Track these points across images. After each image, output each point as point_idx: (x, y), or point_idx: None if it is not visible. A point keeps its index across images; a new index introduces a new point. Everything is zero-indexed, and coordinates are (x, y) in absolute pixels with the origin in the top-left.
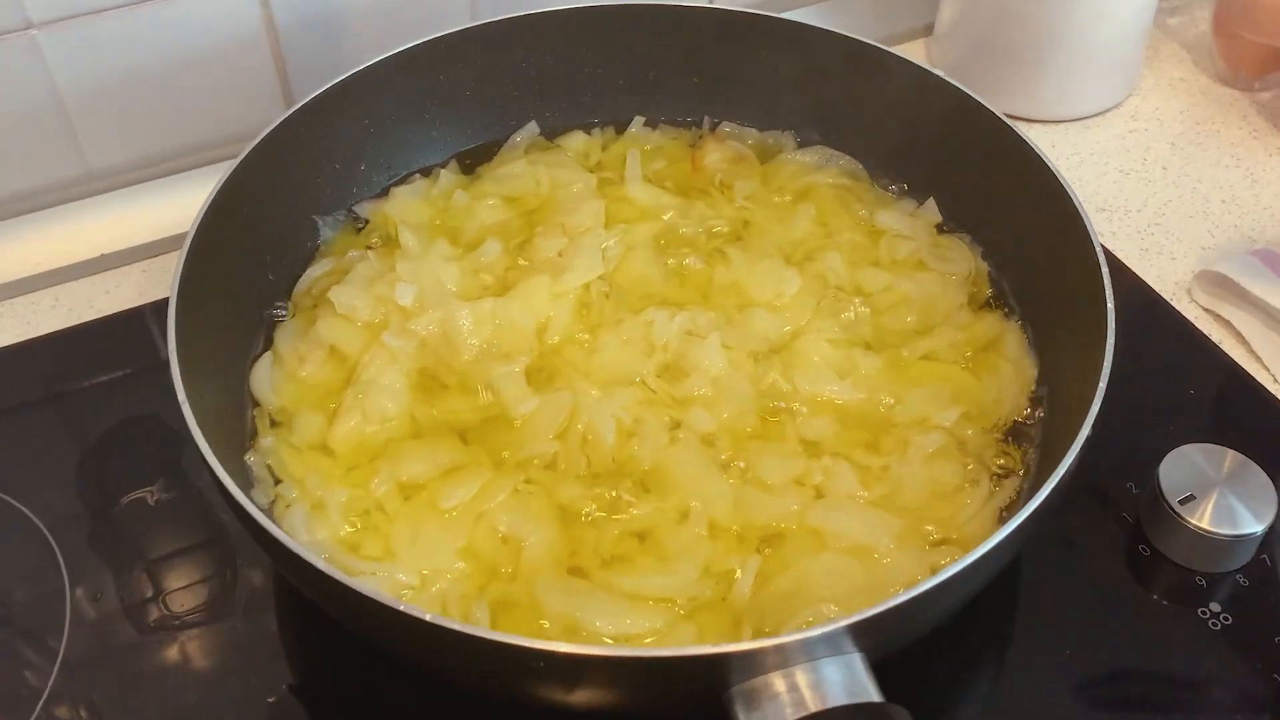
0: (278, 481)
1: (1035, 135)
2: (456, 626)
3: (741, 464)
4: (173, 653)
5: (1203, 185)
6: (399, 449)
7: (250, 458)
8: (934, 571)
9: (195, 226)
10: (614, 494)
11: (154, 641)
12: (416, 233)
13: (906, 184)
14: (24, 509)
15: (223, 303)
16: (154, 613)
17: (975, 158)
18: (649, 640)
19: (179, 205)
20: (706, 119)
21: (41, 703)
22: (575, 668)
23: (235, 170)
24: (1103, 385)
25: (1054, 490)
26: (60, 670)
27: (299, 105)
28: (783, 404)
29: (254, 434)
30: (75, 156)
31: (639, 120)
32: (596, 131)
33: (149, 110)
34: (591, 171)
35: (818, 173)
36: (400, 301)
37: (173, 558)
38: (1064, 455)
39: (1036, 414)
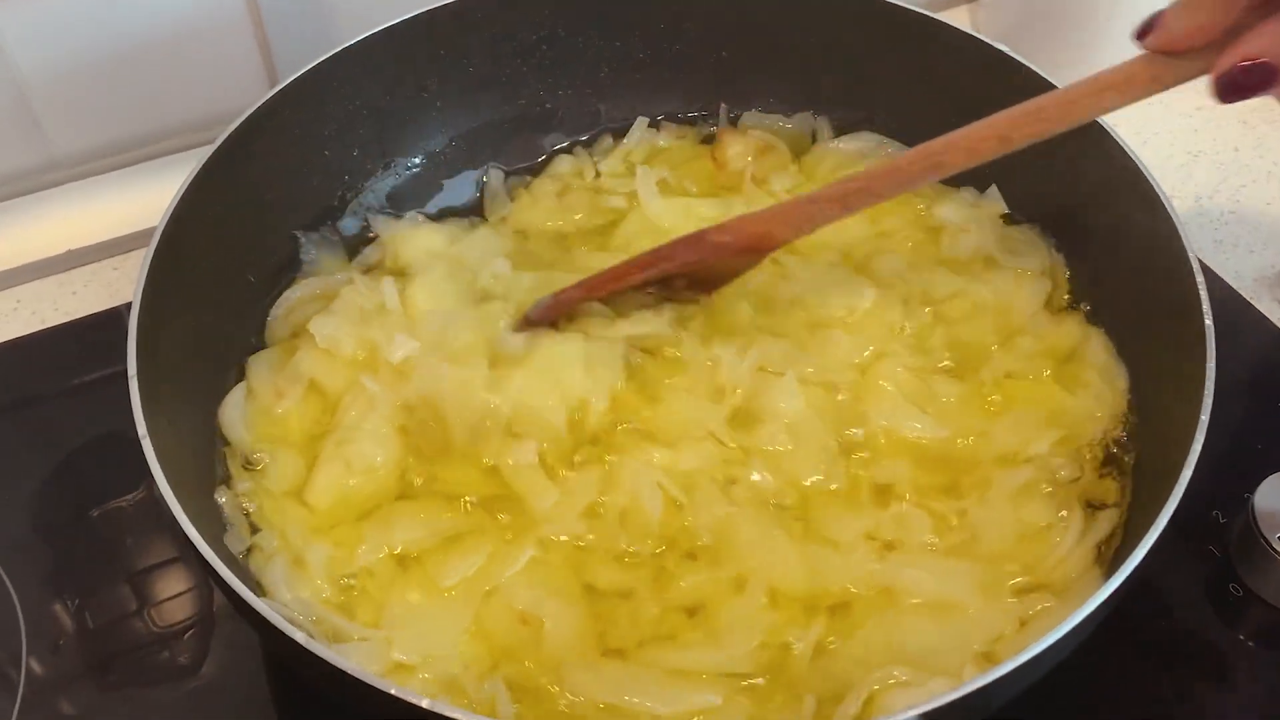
0: (256, 530)
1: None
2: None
3: (805, 521)
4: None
5: None
6: (389, 513)
7: (222, 498)
8: (1022, 624)
9: (165, 220)
10: (658, 567)
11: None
12: (432, 292)
13: (959, 173)
14: None
15: (197, 310)
16: (124, 664)
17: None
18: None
19: (153, 195)
20: (723, 109)
21: None
22: None
23: (212, 157)
24: (1207, 404)
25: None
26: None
27: (283, 85)
28: (857, 445)
29: (228, 474)
30: (37, 143)
31: (642, 122)
32: (581, 150)
33: (119, 92)
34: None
35: (864, 162)
36: (391, 357)
37: (147, 596)
38: (1168, 484)
39: (1126, 432)
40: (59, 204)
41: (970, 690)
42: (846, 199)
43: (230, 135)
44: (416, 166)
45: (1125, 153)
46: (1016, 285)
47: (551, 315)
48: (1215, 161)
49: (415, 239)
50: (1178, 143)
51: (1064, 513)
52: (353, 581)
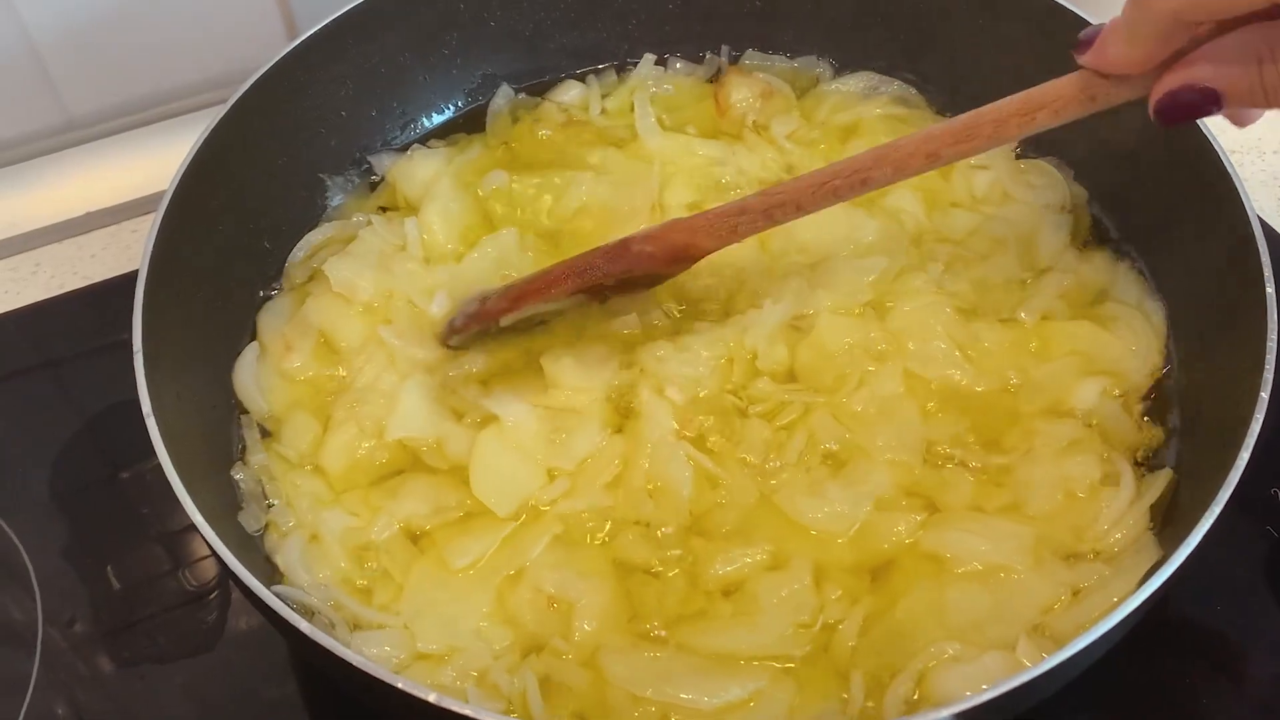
0: (270, 504)
1: None
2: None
3: (841, 477)
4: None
5: None
6: (402, 483)
7: (238, 474)
8: (1075, 594)
9: (175, 183)
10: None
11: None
12: (444, 215)
13: (965, 108)
14: None
15: (208, 278)
16: (140, 631)
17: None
18: (751, 705)
19: (173, 155)
20: (724, 49)
21: None
22: None
23: (225, 116)
24: (1268, 378)
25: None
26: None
27: (298, 41)
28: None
29: (243, 445)
30: (53, 103)
31: (649, 59)
32: (594, 79)
33: (134, 49)
34: (598, 129)
35: (864, 103)
36: (431, 310)
37: (163, 579)
38: (1227, 452)
39: (1168, 376)
40: (77, 165)
41: (1036, 674)
42: (770, 211)
43: (242, 95)
44: (433, 126)
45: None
46: (1038, 220)
47: (475, 325)
48: None
49: (414, 168)
50: None
51: (1113, 470)
52: (373, 562)
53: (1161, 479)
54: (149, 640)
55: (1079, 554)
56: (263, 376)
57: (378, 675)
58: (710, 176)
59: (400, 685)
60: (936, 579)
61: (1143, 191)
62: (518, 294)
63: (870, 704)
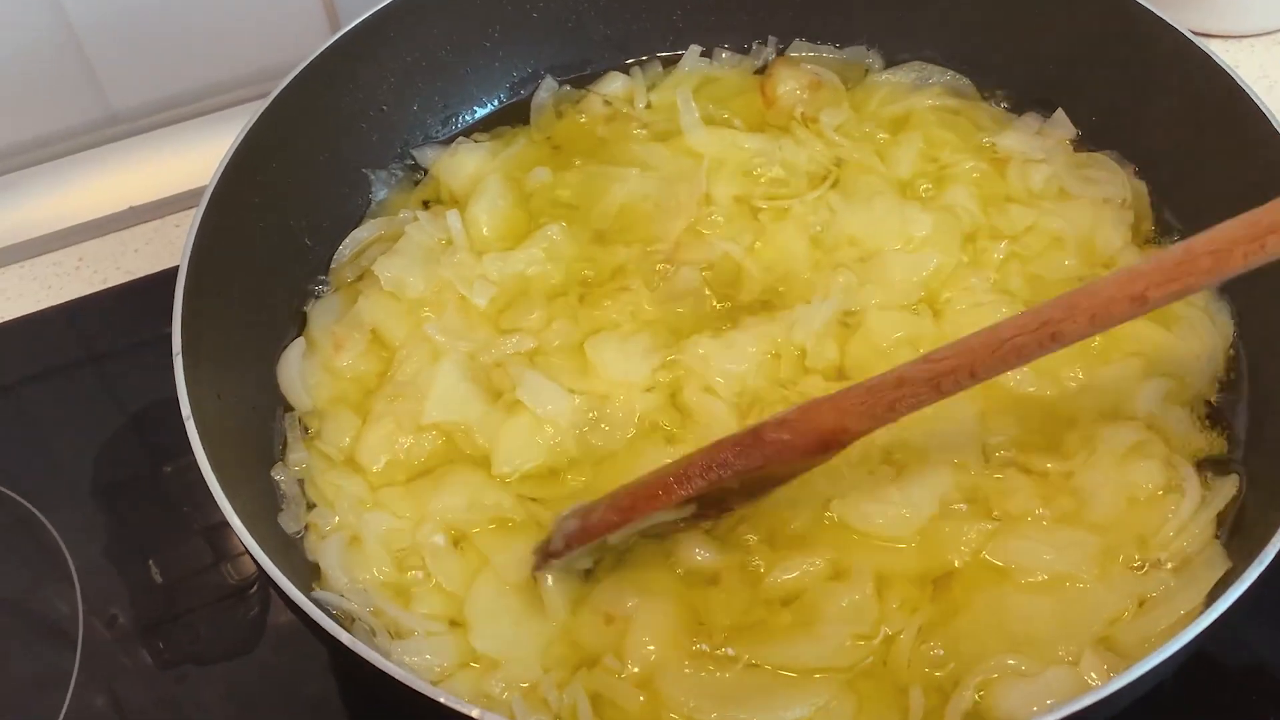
0: (312, 506)
1: (1215, 48)
2: None
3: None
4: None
5: None
6: (441, 477)
7: (279, 474)
8: (1141, 604)
9: (215, 180)
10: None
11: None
12: (490, 211)
13: (1020, 99)
14: (32, 508)
15: (249, 275)
16: (177, 636)
17: (1121, 63)
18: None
19: (216, 150)
20: (771, 40)
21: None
22: None
23: (266, 111)
24: None
25: None
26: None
27: (340, 34)
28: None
29: (285, 443)
30: (95, 97)
31: (695, 50)
32: (638, 71)
33: (177, 43)
34: (643, 123)
35: (916, 94)
36: (475, 300)
37: (204, 574)
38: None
39: (1233, 379)
40: (120, 160)
41: (1101, 696)
42: (938, 381)
43: (284, 89)
44: (476, 120)
45: (1242, 91)
46: (1096, 216)
47: (577, 546)
48: None
49: (459, 162)
50: None
51: (1177, 476)
52: (417, 569)
53: (1229, 486)
54: (190, 636)
55: (1144, 563)
56: (308, 373)
57: (418, 689)
58: (756, 170)
59: (442, 699)
60: (999, 589)
61: (1208, 188)
62: (628, 504)
63: None
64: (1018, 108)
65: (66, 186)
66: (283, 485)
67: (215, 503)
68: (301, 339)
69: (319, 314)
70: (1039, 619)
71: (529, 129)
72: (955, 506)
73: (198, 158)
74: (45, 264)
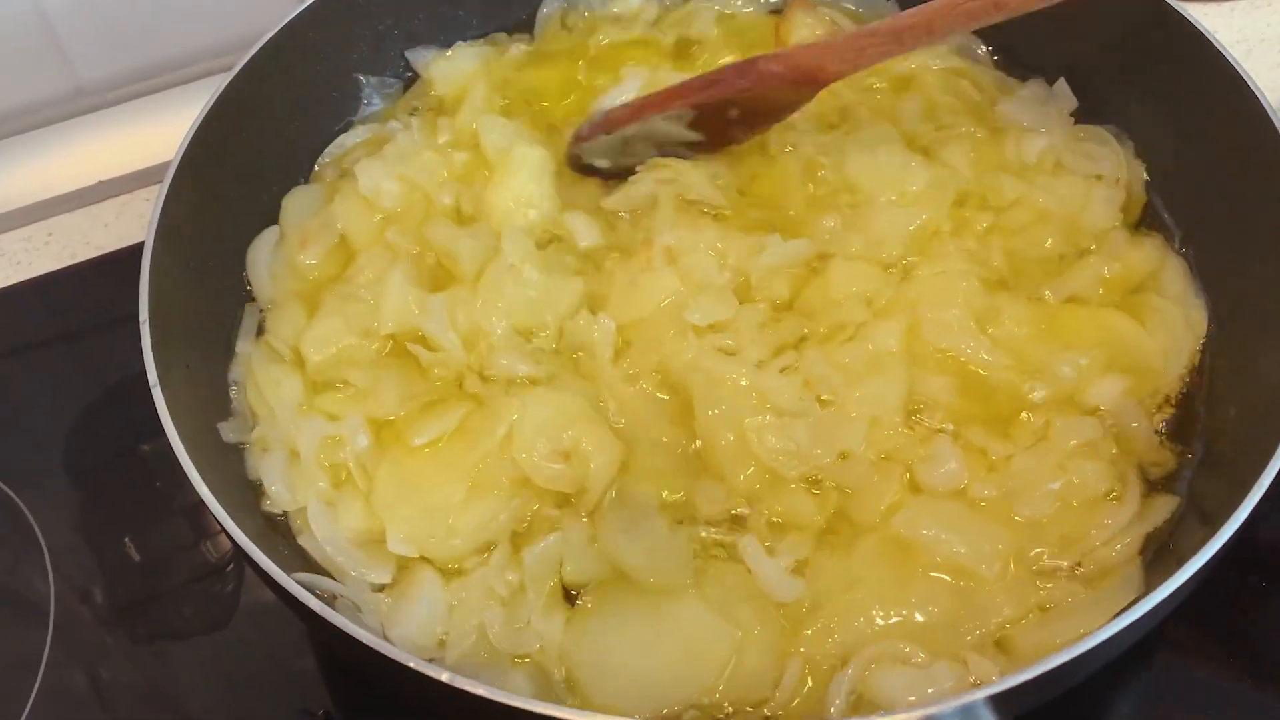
0: (255, 423)
1: (1195, 17)
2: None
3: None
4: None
5: None
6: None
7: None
8: (1043, 611)
9: (180, 153)
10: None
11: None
12: (469, 102)
13: (1028, 68)
14: (3, 486)
15: (216, 247)
16: (151, 613)
17: (1119, 39)
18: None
19: (185, 123)
20: None
21: None
22: None
23: (232, 82)
24: None
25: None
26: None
27: (307, 3)
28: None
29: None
30: (62, 70)
31: None
32: None
33: (143, 14)
34: (653, 45)
35: (925, 52)
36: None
37: (179, 552)
38: (1243, 481)
39: (1200, 386)
40: (89, 133)
41: (978, 697)
42: (900, 34)
43: (251, 59)
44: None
45: (1225, 62)
46: (1087, 195)
47: (601, 131)
48: None
49: (450, 66)
50: None
51: (1121, 483)
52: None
53: (1166, 505)
54: (164, 613)
55: (1059, 569)
56: (274, 262)
57: (392, 656)
58: None
59: (412, 664)
60: (900, 569)
61: (1206, 178)
62: (639, 104)
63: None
64: (1023, 74)
65: (34, 161)
66: (235, 397)
67: (189, 480)
68: (275, 228)
69: (294, 203)
70: (936, 609)
71: (529, 38)
72: (871, 460)
73: (167, 131)
74: (14, 239)
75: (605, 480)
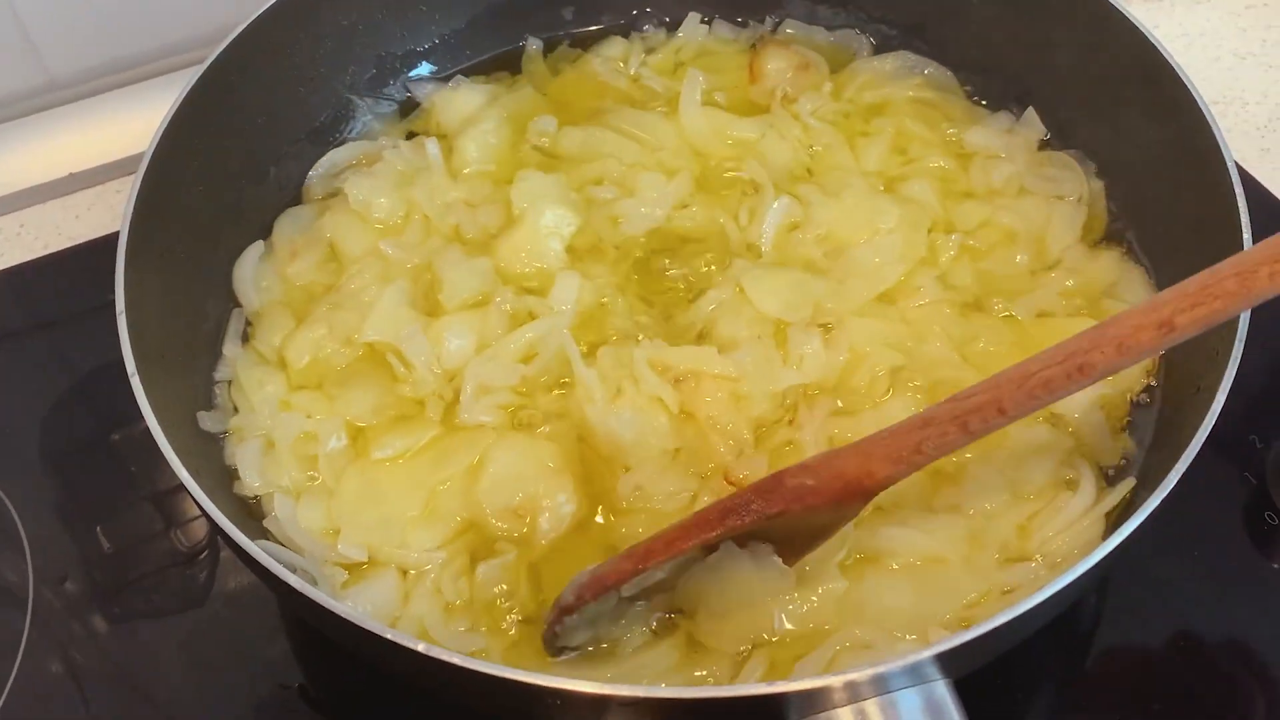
0: (235, 411)
1: (1135, 13)
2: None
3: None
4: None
5: None
6: (353, 380)
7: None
8: (1006, 592)
9: (154, 144)
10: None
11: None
12: (481, 145)
13: (994, 93)
14: None
15: (191, 237)
16: (127, 598)
17: (1073, 48)
18: None
19: (156, 115)
20: (768, 19)
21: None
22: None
23: (204, 75)
24: (1242, 332)
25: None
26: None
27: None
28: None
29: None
30: (32, 62)
31: (694, 18)
32: (635, 36)
33: (114, 6)
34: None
35: (895, 83)
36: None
37: (154, 538)
38: (1185, 433)
39: (1155, 379)
40: (60, 125)
41: (929, 654)
42: (964, 419)
43: (223, 52)
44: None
45: (1167, 64)
46: (1050, 213)
47: (589, 597)
48: (1264, 64)
49: (457, 99)
50: (1225, 43)
51: (1075, 474)
52: (314, 474)
53: (1122, 488)
54: (141, 598)
55: (1021, 555)
56: (261, 274)
57: (369, 627)
58: (727, 173)
59: (389, 636)
60: (861, 573)
61: (1159, 196)
62: (643, 552)
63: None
64: (994, 105)
65: (5, 153)
66: (219, 393)
67: (165, 467)
68: (261, 241)
69: (284, 222)
70: (898, 600)
71: (530, 78)
72: None
73: (139, 123)
74: None
75: (553, 537)
